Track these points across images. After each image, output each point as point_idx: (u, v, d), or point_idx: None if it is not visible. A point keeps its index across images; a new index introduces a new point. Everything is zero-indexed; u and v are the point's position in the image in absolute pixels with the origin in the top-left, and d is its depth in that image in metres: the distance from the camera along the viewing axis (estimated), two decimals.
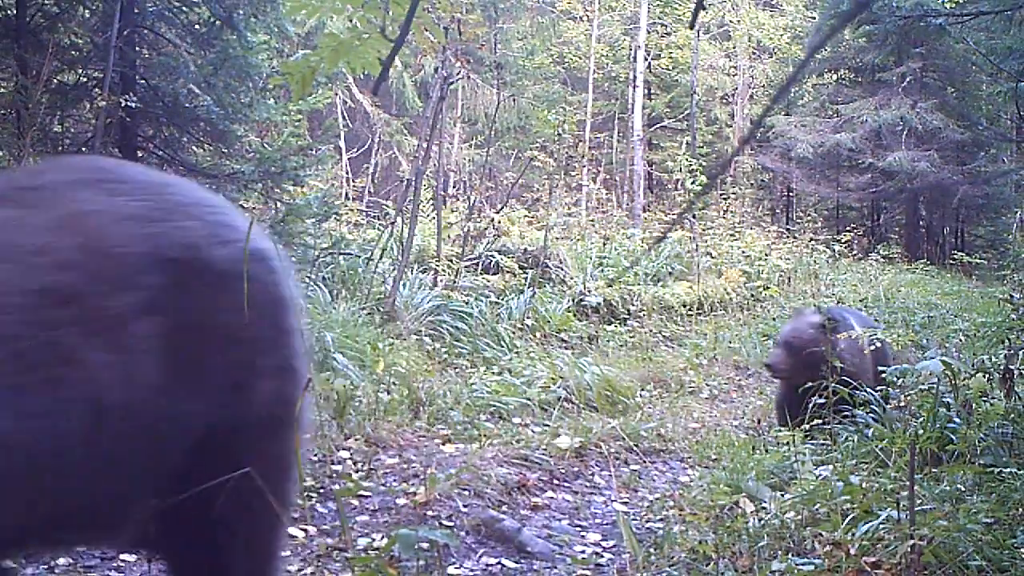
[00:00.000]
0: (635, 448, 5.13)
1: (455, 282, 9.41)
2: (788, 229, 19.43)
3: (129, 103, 7.46)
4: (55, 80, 8.03)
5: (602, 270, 11.37)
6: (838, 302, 9.09)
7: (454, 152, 18.38)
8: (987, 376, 4.58)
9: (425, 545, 3.44)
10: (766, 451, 4.71)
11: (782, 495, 3.61)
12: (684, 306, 10.59)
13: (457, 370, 6.86)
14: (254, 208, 9.13)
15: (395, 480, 4.29)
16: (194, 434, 1.72)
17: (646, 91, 22.53)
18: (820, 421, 4.62)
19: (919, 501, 2.96)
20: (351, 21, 2.58)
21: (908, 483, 2.80)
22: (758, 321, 10.30)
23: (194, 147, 9.09)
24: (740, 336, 9.13)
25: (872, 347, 5.25)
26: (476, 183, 13.58)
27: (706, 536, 3.19)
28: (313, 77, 2.63)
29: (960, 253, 18.24)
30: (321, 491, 4.06)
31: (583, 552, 3.67)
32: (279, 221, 8.61)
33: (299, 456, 1.93)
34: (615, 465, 4.87)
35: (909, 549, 2.63)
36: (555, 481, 4.56)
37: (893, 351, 6.11)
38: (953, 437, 3.84)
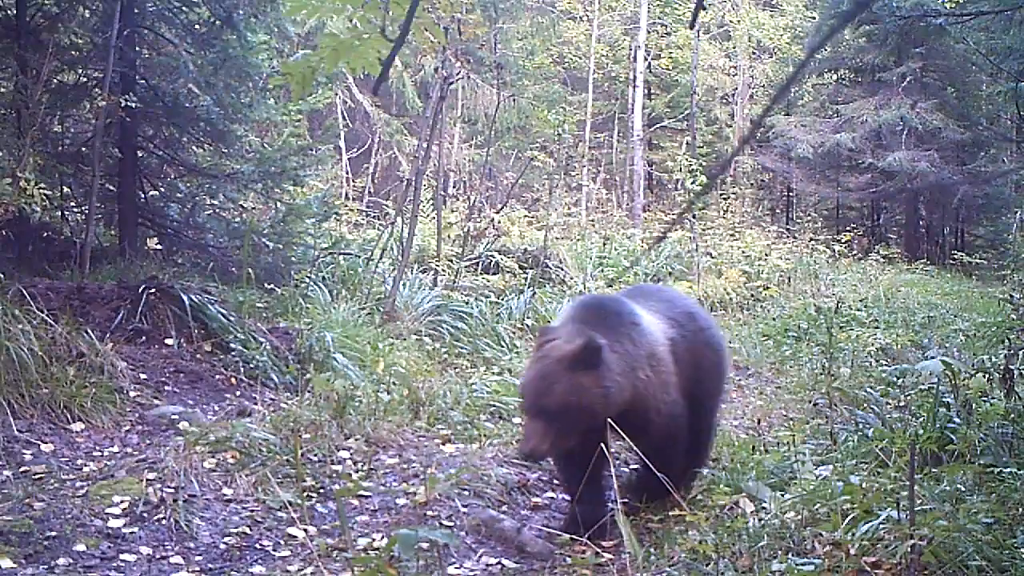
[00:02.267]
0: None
1: (455, 282, 9.41)
2: (788, 229, 19.45)
3: (129, 103, 7.46)
4: (55, 80, 8.03)
5: (602, 270, 11.37)
6: (837, 302, 9.05)
7: (454, 152, 18.38)
8: (987, 376, 4.58)
9: (425, 545, 3.44)
10: (766, 451, 4.70)
11: (782, 495, 3.61)
12: None
13: (457, 370, 6.86)
14: (254, 208, 9.14)
15: (395, 480, 4.29)
16: None
17: (646, 91, 22.53)
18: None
19: (919, 501, 2.96)
20: (351, 21, 2.58)
21: (908, 483, 2.80)
22: (758, 321, 10.30)
23: (194, 147, 9.10)
24: (740, 336, 9.12)
25: (667, 343, 3.98)
26: (476, 183, 13.59)
27: (706, 536, 3.18)
28: (313, 77, 2.63)
29: (960, 253, 18.26)
30: (321, 491, 4.06)
31: (583, 552, 3.67)
32: (279, 221, 8.61)
33: (298, 456, 1.96)
34: (615, 465, 4.86)
35: (909, 549, 2.63)
36: (555, 481, 4.55)
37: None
38: (953, 437, 3.84)
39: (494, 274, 10.34)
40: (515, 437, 4.99)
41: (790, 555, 2.99)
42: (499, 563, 3.57)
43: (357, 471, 4.30)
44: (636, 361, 3.74)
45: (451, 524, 3.88)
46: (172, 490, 3.80)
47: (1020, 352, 4.83)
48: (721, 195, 18.99)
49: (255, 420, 4.64)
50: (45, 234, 8.16)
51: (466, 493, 4.12)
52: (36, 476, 3.90)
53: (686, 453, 4.08)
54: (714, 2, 21.50)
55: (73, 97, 8.29)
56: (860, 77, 20.63)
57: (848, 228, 19.07)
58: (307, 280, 8.01)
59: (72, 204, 8.67)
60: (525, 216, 14.86)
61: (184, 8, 8.54)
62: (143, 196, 8.72)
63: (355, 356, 6.24)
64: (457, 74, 9.94)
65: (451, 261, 10.16)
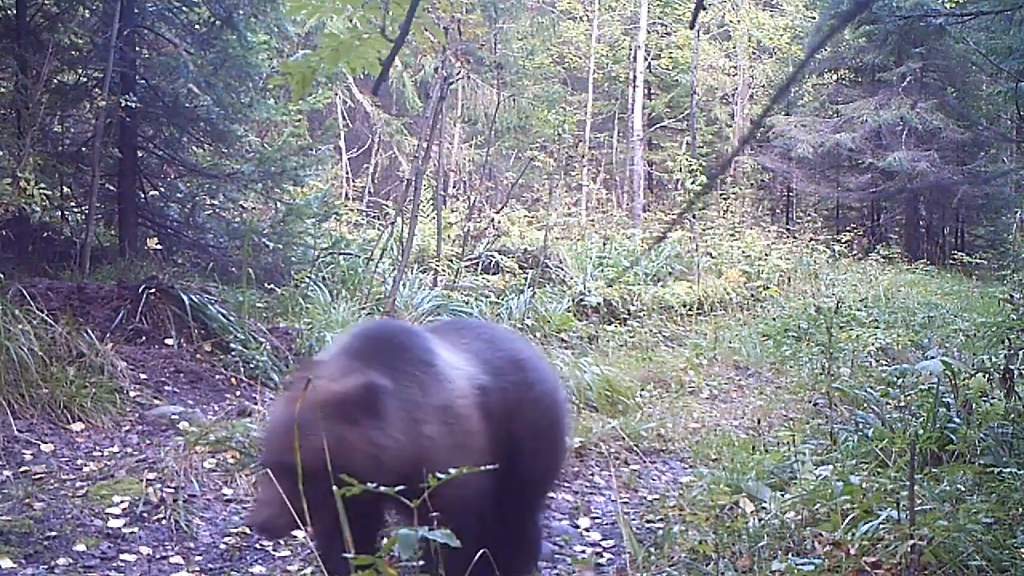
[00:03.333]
0: (635, 448, 5.12)
1: (455, 282, 9.42)
2: (788, 229, 19.44)
3: (129, 103, 7.47)
4: (55, 80, 8.03)
5: (602, 270, 11.37)
6: (837, 302, 9.03)
7: (454, 152, 18.38)
8: (987, 376, 4.58)
9: None
10: (766, 451, 4.70)
11: (782, 495, 3.61)
12: (684, 306, 10.59)
13: None
14: (254, 208, 9.14)
15: None
16: None
17: (646, 91, 22.53)
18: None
19: (919, 501, 2.96)
20: (351, 21, 2.58)
21: (908, 483, 2.80)
22: (758, 321, 10.30)
23: (194, 147, 9.10)
24: (740, 336, 9.12)
25: (473, 394, 2.87)
26: (476, 183, 13.60)
27: (706, 536, 3.18)
28: (313, 77, 2.63)
29: (960, 253, 18.26)
30: None
31: (583, 552, 3.67)
32: (279, 221, 8.62)
33: (298, 458, 1.97)
34: (615, 465, 4.87)
35: (909, 549, 2.63)
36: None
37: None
38: (953, 437, 3.84)
39: (494, 274, 10.35)
40: None
41: (790, 555, 2.99)
42: None
43: None
44: (423, 413, 2.77)
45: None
46: (172, 490, 3.81)
47: (1020, 352, 4.83)
48: (721, 195, 18.98)
49: (255, 420, 4.64)
50: (45, 234, 8.16)
51: None
52: (36, 476, 3.90)
53: (500, 559, 2.62)
54: (714, 2, 21.50)
55: (73, 97, 8.29)
56: (860, 77, 20.63)
57: (848, 228, 19.07)
58: (307, 280, 8.01)
59: (72, 204, 8.67)
60: (525, 216, 14.87)
61: (184, 8, 8.55)
62: (143, 196, 8.72)
63: None
64: (457, 74, 9.94)
65: (451, 261, 10.16)
